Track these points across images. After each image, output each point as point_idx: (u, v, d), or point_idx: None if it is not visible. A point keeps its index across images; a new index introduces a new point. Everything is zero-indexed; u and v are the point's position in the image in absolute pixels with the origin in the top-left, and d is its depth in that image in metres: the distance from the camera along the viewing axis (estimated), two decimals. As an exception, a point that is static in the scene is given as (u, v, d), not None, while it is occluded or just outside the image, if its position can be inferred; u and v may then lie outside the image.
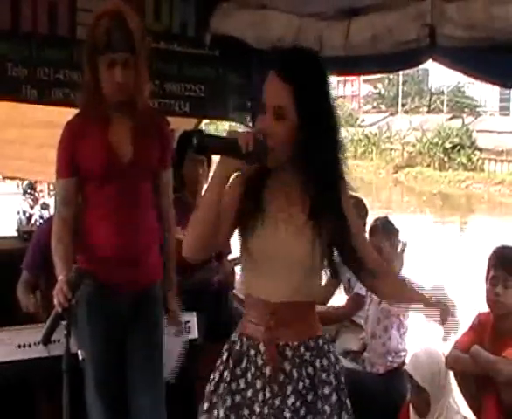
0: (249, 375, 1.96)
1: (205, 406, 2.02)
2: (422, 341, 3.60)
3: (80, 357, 2.20)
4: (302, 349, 1.98)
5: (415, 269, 3.84)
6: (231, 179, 1.90)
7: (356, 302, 4.07)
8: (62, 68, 3.80)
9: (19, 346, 2.84)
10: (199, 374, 3.09)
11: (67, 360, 2.20)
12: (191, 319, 3.15)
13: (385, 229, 3.74)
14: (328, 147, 1.90)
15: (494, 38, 2.75)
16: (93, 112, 2.62)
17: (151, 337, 2.71)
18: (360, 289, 4.01)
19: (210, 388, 2.03)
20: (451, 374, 3.14)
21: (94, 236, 2.63)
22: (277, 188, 1.96)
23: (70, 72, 3.81)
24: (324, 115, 1.89)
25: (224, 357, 2.03)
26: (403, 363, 3.53)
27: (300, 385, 1.95)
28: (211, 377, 2.04)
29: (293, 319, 1.97)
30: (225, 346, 2.06)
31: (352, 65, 3.54)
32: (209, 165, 3.75)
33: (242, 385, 1.97)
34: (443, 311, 2.02)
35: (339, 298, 4.50)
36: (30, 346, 2.84)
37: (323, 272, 2.01)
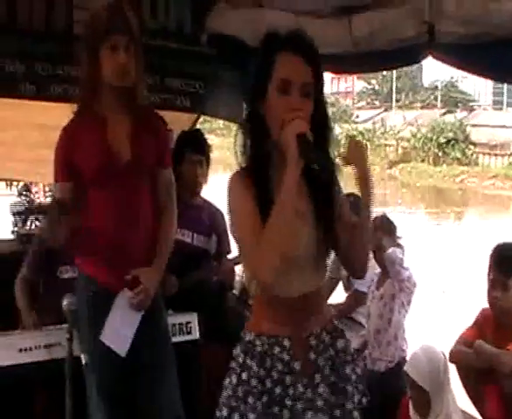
0: (275, 373, 1.92)
1: (224, 412, 1.95)
2: (420, 340, 3.61)
3: (83, 361, 2.17)
4: (324, 334, 2.01)
5: (412, 263, 3.84)
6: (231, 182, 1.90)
7: (356, 299, 4.08)
8: (60, 63, 3.78)
9: (20, 350, 2.82)
10: (200, 374, 3.10)
11: (70, 364, 2.18)
12: (192, 319, 3.13)
13: (385, 226, 3.74)
14: (330, 133, 1.95)
15: (492, 34, 2.76)
16: (91, 111, 2.61)
17: (157, 341, 2.66)
18: (360, 285, 4.01)
19: (227, 392, 1.96)
20: (450, 370, 3.16)
21: (95, 239, 2.61)
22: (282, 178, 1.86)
23: (68, 67, 3.78)
24: (326, 102, 1.98)
25: (241, 359, 1.96)
26: (404, 359, 3.53)
27: (326, 370, 1.98)
28: (226, 381, 1.98)
29: (313, 309, 2.00)
30: (239, 349, 1.99)
31: (352, 63, 3.54)
32: (208, 165, 3.73)
33: (268, 384, 1.92)
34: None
35: (339, 295, 4.51)
36: (31, 349, 2.82)
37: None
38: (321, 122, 1.92)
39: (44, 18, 3.78)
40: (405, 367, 3.18)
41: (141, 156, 2.64)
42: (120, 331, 2.53)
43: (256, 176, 1.88)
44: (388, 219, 3.81)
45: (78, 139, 2.60)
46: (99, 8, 2.58)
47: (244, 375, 1.94)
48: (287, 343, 1.95)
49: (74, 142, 2.61)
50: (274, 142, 1.89)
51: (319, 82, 1.92)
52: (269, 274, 1.82)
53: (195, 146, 3.66)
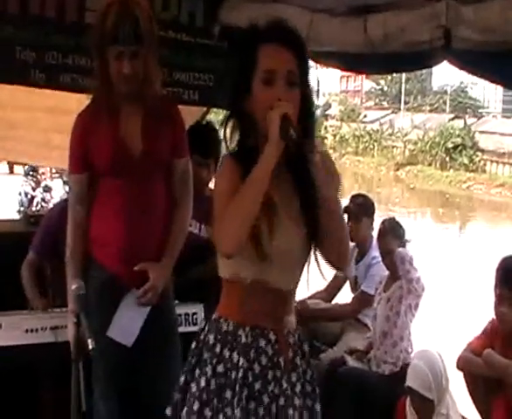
0: (257, 367, 1.87)
1: (195, 406, 1.87)
2: (419, 347, 3.61)
3: (90, 346, 2.18)
4: (296, 335, 1.99)
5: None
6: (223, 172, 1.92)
7: (363, 300, 4.07)
8: (70, 53, 3.79)
9: (26, 331, 2.84)
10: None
11: (76, 348, 2.19)
12: (198, 310, 3.13)
13: (394, 230, 3.74)
14: (315, 122, 1.94)
15: (510, 42, 2.74)
16: (104, 102, 2.60)
17: (165, 333, 2.68)
18: (367, 287, 4.02)
19: (199, 384, 1.88)
20: (453, 375, 3.16)
21: (106, 230, 2.62)
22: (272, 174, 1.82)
23: (78, 57, 3.79)
24: (311, 88, 1.94)
25: (217, 349, 1.89)
26: (408, 363, 3.53)
27: (300, 370, 1.97)
28: (196, 372, 1.90)
29: (290, 307, 1.99)
30: (212, 337, 1.91)
31: (365, 63, 3.53)
32: (215, 163, 3.66)
33: (250, 378, 1.86)
34: None
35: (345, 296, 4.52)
36: (37, 331, 2.84)
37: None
38: (307, 109, 1.89)
39: (55, 7, 3.78)
40: (408, 382, 3.15)
41: (155, 148, 2.63)
42: (127, 327, 2.56)
43: (245, 168, 1.84)
44: (397, 223, 3.81)
45: (92, 129, 2.61)
46: (107, 6, 2.50)
47: (219, 368, 1.88)
48: (272, 337, 1.91)
49: (88, 133, 2.61)
50: (261, 135, 1.85)
51: (304, 68, 1.90)
52: (230, 244, 1.80)
53: (200, 148, 3.52)
